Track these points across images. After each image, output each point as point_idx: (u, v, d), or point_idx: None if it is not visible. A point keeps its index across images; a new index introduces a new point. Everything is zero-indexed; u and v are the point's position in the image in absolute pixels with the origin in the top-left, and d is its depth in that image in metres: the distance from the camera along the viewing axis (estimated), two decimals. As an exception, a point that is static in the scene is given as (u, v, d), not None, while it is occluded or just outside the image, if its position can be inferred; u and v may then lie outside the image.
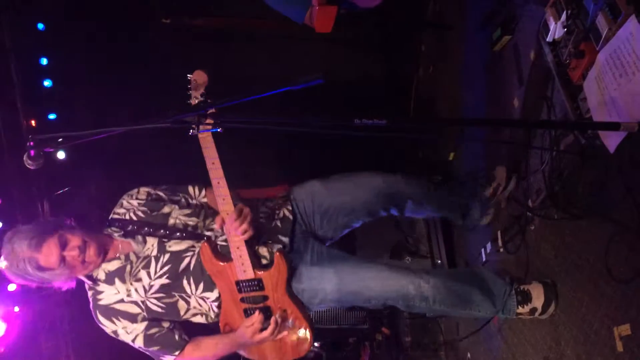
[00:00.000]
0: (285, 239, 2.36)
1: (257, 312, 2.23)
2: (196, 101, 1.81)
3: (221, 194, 2.05)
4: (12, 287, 3.64)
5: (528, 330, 2.59)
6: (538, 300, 2.40)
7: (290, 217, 2.44)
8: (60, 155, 3.65)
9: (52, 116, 3.84)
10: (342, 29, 3.14)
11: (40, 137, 1.67)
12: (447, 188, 2.82)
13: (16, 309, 3.65)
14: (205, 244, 2.18)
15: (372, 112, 2.32)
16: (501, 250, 2.88)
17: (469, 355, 3.33)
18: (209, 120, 1.66)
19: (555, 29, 2.23)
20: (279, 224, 2.40)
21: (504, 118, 2.84)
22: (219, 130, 1.69)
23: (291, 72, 4.17)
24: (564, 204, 2.31)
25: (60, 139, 1.71)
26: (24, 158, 1.77)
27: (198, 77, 1.84)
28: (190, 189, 2.46)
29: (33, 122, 3.68)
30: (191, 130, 1.63)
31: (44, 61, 3.81)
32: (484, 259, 3.10)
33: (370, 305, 2.42)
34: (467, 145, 3.54)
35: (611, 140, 1.92)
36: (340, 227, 2.56)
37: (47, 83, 3.82)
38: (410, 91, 4.61)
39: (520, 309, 2.44)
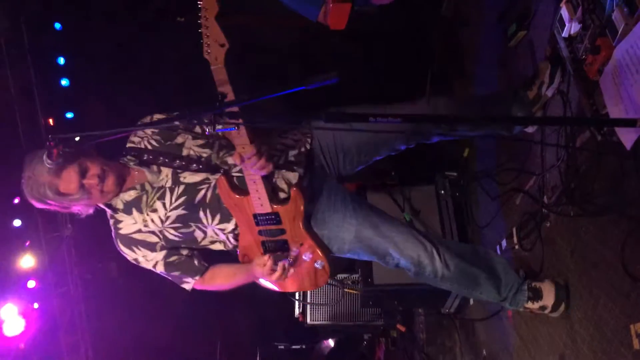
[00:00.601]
0: (300, 170, 2.30)
1: (267, 256, 2.22)
2: (206, 29, 1.77)
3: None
4: (31, 284, 3.71)
5: (544, 328, 2.58)
6: (548, 299, 2.41)
7: (308, 147, 2.37)
8: (78, 153, 3.69)
9: (69, 115, 3.90)
10: (355, 25, 3.14)
11: (60, 136, 1.69)
12: (483, 105, 2.66)
13: (35, 305, 3.71)
14: (222, 177, 2.17)
15: (385, 106, 2.32)
16: (516, 247, 2.87)
17: (484, 352, 3.33)
18: (224, 119, 1.67)
19: (571, 25, 2.21)
20: (294, 155, 2.33)
21: (520, 115, 2.82)
22: (235, 129, 1.70)
23: (306, 69, 4.19)
24: (580, 201, 2.30)
25: (79, 138, 1.73)
26: (44, 157, 1.80)
27: (208, 5, 1.76)
28: None
29: (51, 121, 3.74)
30: (207, 130, 1.65)
31: (62, 61, 3.86)
32: (499, 256, 3.09)
33: (383, 262, 2.40)
34: (482, 141, 3.53)
35: (628, 137, 1.91)
36: (362, 162, 2.49)
37: (64, 82, 3.88)
38: (425, 86, 4.60)
39: (529, 304, 2.45)
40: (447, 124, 2.46)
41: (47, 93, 3.73)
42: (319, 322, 4.36)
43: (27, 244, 3.71)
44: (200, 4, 1.76)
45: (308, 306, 4.30)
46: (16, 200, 3.55)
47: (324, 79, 1.51)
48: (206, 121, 1.64)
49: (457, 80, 4.11)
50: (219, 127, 1.65)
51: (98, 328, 4.12)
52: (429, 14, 4.31)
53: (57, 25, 3.83)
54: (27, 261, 3.69)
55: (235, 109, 1.74)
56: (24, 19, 3.58)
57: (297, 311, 4.41)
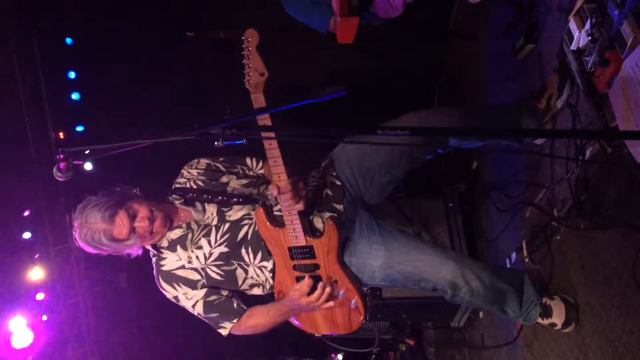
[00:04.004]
0: (340, 206, 2.33)
1: (307, 277, 2.24)
2: (248, 60, 1.88)
3: (273, 155, 2.03)
4: (40, 297, 3.71)
5: (554, 342, 2.55)
6: (558, 318, 2.41)
7: (339, 182, 2.40)
8: (88, 166, 3.72)
9: (79, 128, 3.92)
10: (363, 39, 3.15)
11: (69, 150, 1.70)
12: (493, 114, 2.67)
13: (44, 317, 3.71)
14: (260, 208, 2.19)
15: (393, 121, 2.33)
16: (526, 260, 2.85)
17: (494, 366, 3.30)
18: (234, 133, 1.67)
19: (580, 37, 2.21)
20: (329, 192, 2.37)
21: (529, 127, 2.81)
22: (243, 142, 1.71)
23: (317, 81, 4.19)
24: (590, 214, 2.29)
25: (88, 151, 1.74)
26: (54, 171, 1.81)
27: (250, 36, 1.88)
28: (248, 160, 2.48)
29: (61, 134, 3.77)
30: (216, 143, 1.65)
31: (72, 75, 3.90)
32: (508, 269, 3.07)
33: (419, 288, 2.38)
34: (490, 154, 3.52)
35: (638, 149, 1.90)
36: (385, 184, 2.46)
37: (74, 96, 3.91)
38: (433, 99, 4.60)
39: (540, 320, 2.46)
40: (456, 136, 2.45)
41: (58, 107, 3.75)
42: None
43: (37, 256, 3.72)
44: (243, 37, 1.86)
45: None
46: (26, 213, 3.57)
47: (333, 92, 1.51)
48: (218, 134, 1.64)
49: (465, 93, 4.12)
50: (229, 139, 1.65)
51: (106, 340, 4.11)
52: (437, 28, 4.33)
53: (68, 40, 3.87)
54: (36, 273, 3.69)
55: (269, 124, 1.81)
56: (35, 33, 3.62)
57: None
